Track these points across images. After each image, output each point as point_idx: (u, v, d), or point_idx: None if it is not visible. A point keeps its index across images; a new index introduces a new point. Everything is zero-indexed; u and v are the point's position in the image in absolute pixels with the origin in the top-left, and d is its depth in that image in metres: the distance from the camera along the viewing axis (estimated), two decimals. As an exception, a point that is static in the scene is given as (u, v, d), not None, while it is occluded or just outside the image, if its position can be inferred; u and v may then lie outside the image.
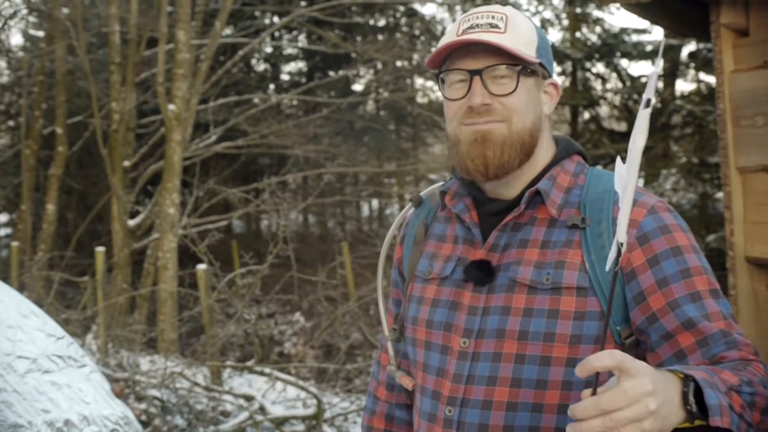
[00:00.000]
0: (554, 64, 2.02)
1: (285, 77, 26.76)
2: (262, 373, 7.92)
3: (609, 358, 1.34)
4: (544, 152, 1.91)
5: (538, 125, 1.86)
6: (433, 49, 1.88)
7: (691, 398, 1.43)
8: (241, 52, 15.80)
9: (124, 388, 6.85)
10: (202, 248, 7.04)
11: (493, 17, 1.85)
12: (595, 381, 1.38)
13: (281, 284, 8.10)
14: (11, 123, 22.06)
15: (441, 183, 2.07)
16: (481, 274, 1.84)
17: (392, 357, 2.10)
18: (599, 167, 1.94)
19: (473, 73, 1.83)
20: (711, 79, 18.41)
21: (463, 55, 1.85)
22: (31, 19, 21.47)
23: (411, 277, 2.04)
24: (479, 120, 1.83)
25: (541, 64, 1.87)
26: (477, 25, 1.84)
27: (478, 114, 1.83)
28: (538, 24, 1.89)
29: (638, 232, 1.75)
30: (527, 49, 1.83)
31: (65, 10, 15.03)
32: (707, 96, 17.42)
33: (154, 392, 7.32)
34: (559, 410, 1.72)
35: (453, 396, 1.81)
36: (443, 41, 1.87)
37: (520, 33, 1.84)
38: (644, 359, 1.74)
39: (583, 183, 1.88)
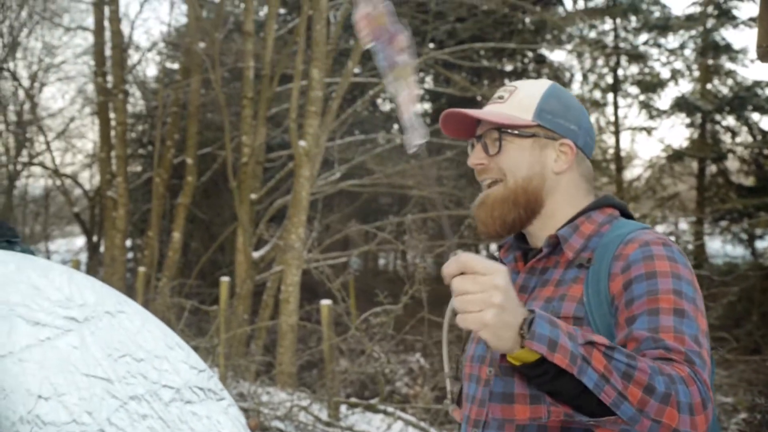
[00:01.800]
0: (583, 123, 2.14)
1: (410, 118, 26.94)
2: (385, 412, 7.94)
3: (455, 262, 1.57)
4: (565, 206, 2.10)
5: (535, 182, 2.06)
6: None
7: (527, 326, 1.58)
8: (371, 92, 15.99)
9: (258, 423, 6.93)
10: (336, 285, 7.09)
11: (505, 90, 2.14)
12: None
13: (410, 324, 8.13)
14: (143, 151, 22.71)
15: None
16: None
17: (449, 392, 2.25)
18: (633, 221, 2.10)
19: (476, 138, 2.14)
20: None
21: (480, 122, 2.14)
22: (167, 51, 22.13)
23: None
24: (480, 178, 2.13)
25: (541, 126, 2.06)
26: (492, 98, 2.16)
27: (479, 173, 2.13)
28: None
29: (624, 263, 1.89)
30: (521, 114, 2.07)
31: (202, 45, 15.42)
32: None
33: (278, 424, 7.39)
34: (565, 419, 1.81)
35: (477, 419, 2.03)
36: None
37: (518, 101, 2.09)
38: None
39: (606, 231, 2.04)
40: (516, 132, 2.05)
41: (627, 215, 2.14)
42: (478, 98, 21.66)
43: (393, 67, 1.81)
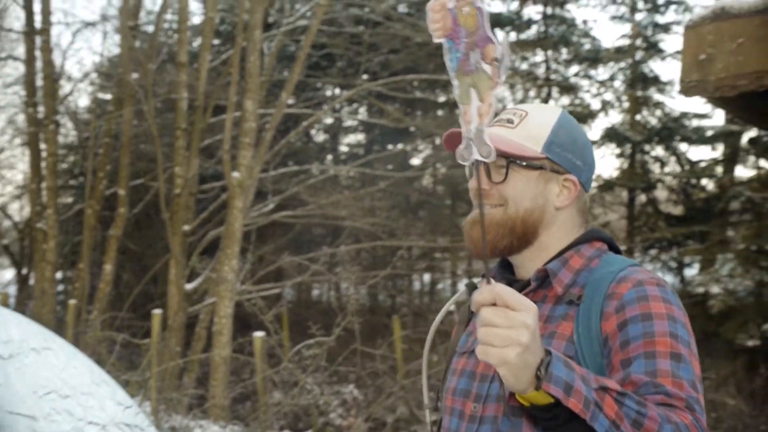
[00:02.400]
0: (586, 159, 2.12)
1: (344, 148, 27.01)
2: (317, 445, 7.91)
3: (489, 291, 1.57)
4: (558, 239, 2.06)
5: (535, 214, 2.03)
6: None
7: (544, 368, 1.58)
8: (304, 123, 16.03)
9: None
10: (269, 317, 7.07)
11: (514, 113, 2.10)
12: None
13: (344, 355, 8.12)
14: (74, 182, 22.45)
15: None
16: None
17: (428, 424, 2.30)
18: (621, 255, 2.08)
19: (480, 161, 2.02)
20: (772, 167, 18.32)
21: None
22: (99, 82, 21.95)
23: (453, 352, 2.22)
24: (478, 202, 1.99)
25: (549, 159, 2.03)
26: (500, 120, 2.11)
27: (478, 197, 1.98)
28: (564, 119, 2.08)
29: (618, 302, 1.86)
30: (530, 144, 2.03)
31: (135, 75, 15.33)
32: (767, 183, 17.29)
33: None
34: None
35: None
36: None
37: (528, 129, 2.05)
38: None
39: (595, 266, 2.01)
40: (524, 163, 2.02)
41: (614, 249, 2.12)
42: (411, 129, 21.79)
43: (472, 72, 1.74)
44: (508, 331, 1.53)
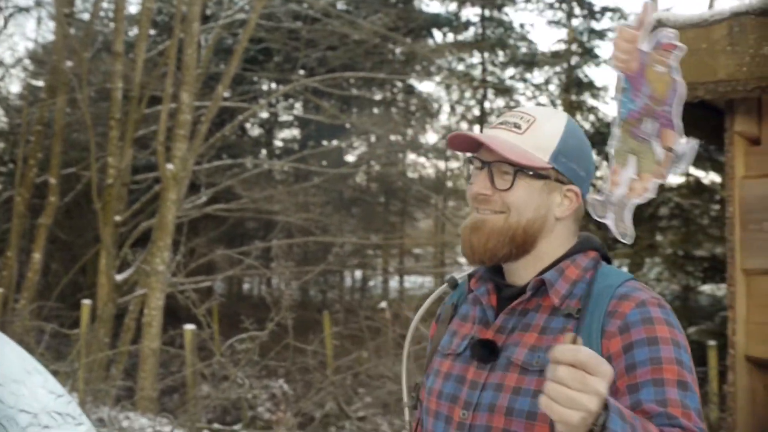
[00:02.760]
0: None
1: (278, 143, 26.94)
2: (247, 439, 7.92)
3: (572, 353, 1.52)
4: (554, 248, 2.03)
5: (537, 224, 1.99)
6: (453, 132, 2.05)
7: (600, 425, 1.52)
8: (240, 117, 15.99)
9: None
10: (201, 310, 7.06)
11: (521, 117, 2.02)
12: None
13: (277, 350, 8.13)
14: (4, 169, 22.11)
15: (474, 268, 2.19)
16: (485, 352, 1.99)
17: (408, 422, 2.28)
18: (613, 266, 2.07)
19: (485, 164, 2.02)
20: (700, 174, 18.67)
21: (486, 146, 2.00)
22: (32, 68, 21.64)
23: (435, 352, 2.19)
24: (480, 207, 2.02)
25: (554, 169, 1.99)
26: (506, 122, 2.04)
27: (479, 201, 2.02)
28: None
29: (622, 322, 1.85)
30: (538, 153, 1.98)
31: (69, 63, 15.16)
32: (695, 190, 17.62)
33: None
34: None
35: None
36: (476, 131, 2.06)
37: (536, 137, 1.99)
38: None
39: (591, 277, 1.99)
40: (531, 173, 1.97)
41: (605, 258, 2.10)
42: (347, 126, 21.80)
43: (640, 139, 1.68)
44: (579, 395, 1.50)
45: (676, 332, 1.87)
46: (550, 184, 2.00)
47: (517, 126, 2.01)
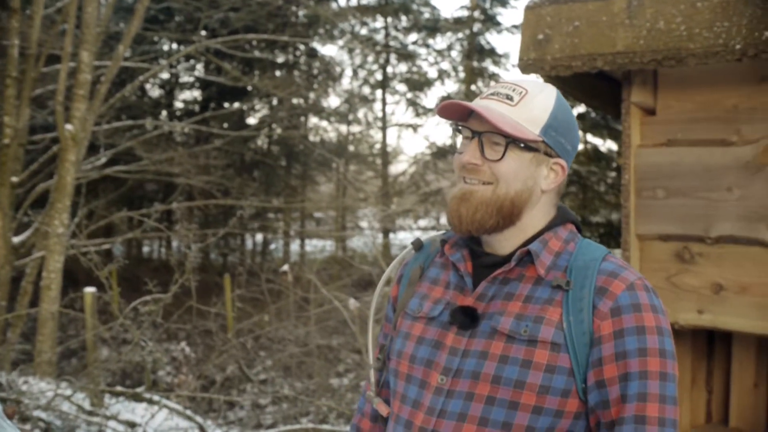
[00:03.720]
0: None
1: (179, 105, 26.63)
2: (150, 401, 7.91)
3: None
4: (537, 220, 2.07)
5: (524, 196, 2.02)
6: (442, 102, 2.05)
7: None
8: (141, 78, 15.75)
9: (15, 410, 6.77)
10: (104, 272, 7.00)
11: (513, 90, 2.04)
12: None
13: (179, 313, 8.11)
14: None
15: (443, 231, 2.24)
16: (466, 319, 2.00)
17: (373, 384, 2.28)
18: (588, 239, 2.12)
19: (475, 133, 2.03)
20: (597, 141, 19.06)
21: (477, 116, 2.03)
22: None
23: (401, 313, 2.20)
24: (468, 177, 2.03)
25: (544, 142, 2.01)
26: (497, 93, 2.05)
27: (467, 171, 2.03)
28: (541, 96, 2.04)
29: (614, 304, 1.91)
30: (529, 126, 2.00)
31: (-37, 19, 14.76)
32: (593, 157, 17.99)
33: (40, 414, 7.25)
34: None
35: (424, 427, 1.97)
36: (467, 100, 2.09)
37: (528, 110, 2.00)
38: (588, 416, 1.94)
39: (573, 250, 2.05)
40: (522, 145, 1.99)
41: (579, 230, 2.16)
42: (249, 88, 21.66)
43: None
44: None
45: (661, 318, 1.93)
46: (539, 156, 2.02)
47: (510, 98, 2.02)
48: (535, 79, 2.14)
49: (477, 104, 2.03)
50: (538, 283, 2.00)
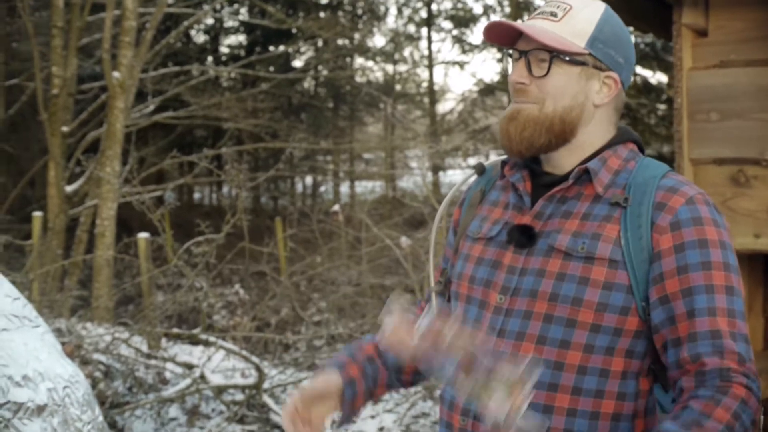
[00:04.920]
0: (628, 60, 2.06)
1: (224, 50, 26.67)
2: (206, 342, 8.01)
3: None
4: (595, 137, 2.04)
5: (575, 112, 1.98)
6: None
7: None
8: (186, 23, 15.76)
9: (74, 349, 6.90)
10: (157, 216, 7.06)
11: (558, 6, 2.01)
12: None
13: (231, 254, 8.17)
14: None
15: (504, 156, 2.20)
16: (523, 237, 2.00)
17: (434, 306, 2.25)
18: (650, 158, 2.08)
19: (521, 53, 2.01)
20: (647, 73, 18.76)
21: (524, 36, 2.02)
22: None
23: (463, 236, 2.20)
24: (518, 97, 2.01)
25: (592, 55, 1.98)
26: (543, 12, 2.02)
27: (516, 92, 2.01)
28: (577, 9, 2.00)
29: (673, 218, 1.89)
30: (574, 39, 1.96)
31: (7, -29, 14.82)
32: (642, 89, 17.72)
33: (100, 357, 7.37)
34: (579, 371, 1.89)
35: None
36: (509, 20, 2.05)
37: (573, 24, 1.97)
38: (649, 336, 1.94)
39: (633, 168, 2.01)
40: (567, 58, 1.97)
41: (642, 149, 2.12)
42: (293, 31, 21.59)
43: (482, 374, 1.73)
44: None
45: (723, 232, 1.91)
46: (588, 70, 1.99)
47: (554, 14, 2.00)
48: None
49: (521, 24, 2.00)
50: (597, 200, 1.98)
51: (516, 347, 1.92)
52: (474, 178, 2.32)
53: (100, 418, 4.05)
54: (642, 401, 1.95)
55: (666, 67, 17.06)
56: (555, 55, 1.95)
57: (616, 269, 1.89)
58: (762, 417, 1.86)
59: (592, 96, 2.00)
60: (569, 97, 1.98)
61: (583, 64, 1.98)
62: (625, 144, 2.07)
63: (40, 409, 3.56)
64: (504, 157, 2.19)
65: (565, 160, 2.04)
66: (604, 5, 2.03)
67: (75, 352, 6.86)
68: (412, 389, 7.32)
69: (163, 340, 8.61)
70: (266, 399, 7.25)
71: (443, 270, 2.30)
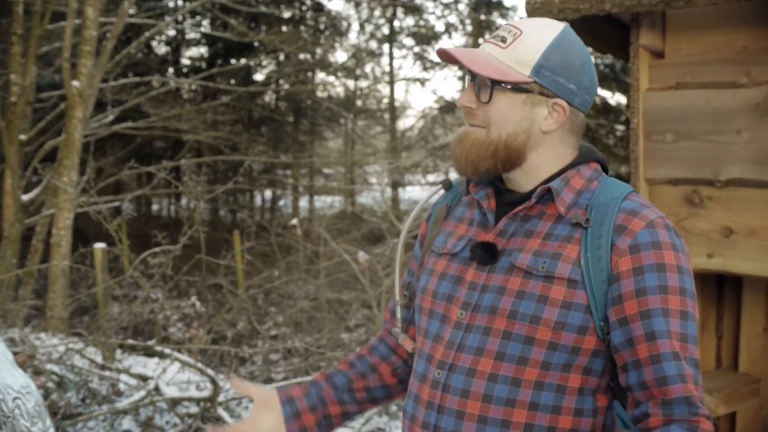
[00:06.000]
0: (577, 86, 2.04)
1: (186, 62, 26.57)
2: (161, 354, 7.95)
3: None
4: (549, 159, 2.05)
5: (519, 138, 2.00)
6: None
7: None
8: (147, 34, 15.66)
9: (26, 359, 6.83)
10: (113, 226, 7.01)
11: (509, 31, 2.01)
12: None
13: (188, 267, 8.13)
14: None
15: None
16: (486, 254, 2.03)
17: (399, 320, 2.33)
18: (613, 178, 2.11)
19: (473, 77, 2.04)
20: (606, 94, 18.95)
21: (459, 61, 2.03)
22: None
23: (428, 251, 2.24)
24: (467, 119, 2.05)
25: (537, 83, 1.97)
26: (496, 36, 2.04)
27: (465, 114, 2.06)
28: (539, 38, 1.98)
29: (632, 241, 1.91)
30: (518, 67, 1.97)
31: (-33, -23, 14.68)
32: (601, 110, 17.90)
33: (53, 367, 7.30)
34: (536, 386, 1.93)
35: (443, 360, 2.01)
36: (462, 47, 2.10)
37: (519, 51, 1.97)
38: (611, 359, 1.97)
39: (595, 188, 2.04)
40: (509, 86, 1.98)
41: (605, 169, 2.14)
42: (255, 44, 21.57)
43: None
44: None
45: (681, 257, 1.94)
46: (534, 97, 1.99)
47: (504, 40, 2.00)
48: (542, 19, 2.06)
49: (463, 49, 2.03)
50: (559, 220, 2.01)
51: (475, 362, 1.96)
52: (441, 193, 2.34)
53: (51, 430, 4.01)
54: (600, 417, 1.98)
55: (625, 89, 17.25)
56: (496, 83, 1.97)
57: (575, 289, 1.92)
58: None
59: (538, 122, 2.01)
60: (513, 124, 2.00)
61: (527, 91, 1.98)
62: (588, 164, 2.09)
63: (-11, 420, 3.53)
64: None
65: (523, 181, 2.07)
66: (559, 29, 2.02)
67: (27, 362, 6.79)
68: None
69: (118, 352, 8.54)
70: (221, 412, 7.20)
71: (408, 283, 2.36)
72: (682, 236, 2.02)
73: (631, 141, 3.80)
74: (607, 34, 4.10)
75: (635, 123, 3.77)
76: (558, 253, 1.95)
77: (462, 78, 20.30)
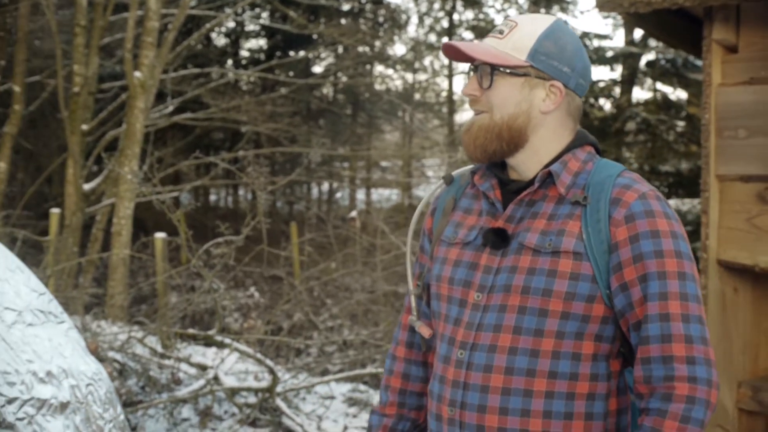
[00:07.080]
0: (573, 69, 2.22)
1: (245, 53, 26.70)
2: (220, 344, 8.00)
3: None
4: (549, 142, 2.22)
5: (520, 119, 2.18)
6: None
7: None
8: (207, 25, 15.78)
9: (97, 346, 6.91)
10: (177, 215, 7.05)
11: (506, 25, 2.24)
12: None
13: (249, 257, 8.18)
14: (-35, 77, 21.75)
15: (472, 165, 2.39)
16: (497, 239, 2.18)
17: (414, 309, 2.44)
18: (606, 159, 2.26)
19: (474, 68, 2.25)
20: (667, 89, 18.72)
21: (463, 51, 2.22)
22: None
23: (437, 242, 2.38)
24: (473, 107, 2.24)
25: (534, 67, 2.16)
26: (494, 30, 2.26)
27: (470, 103, 2.25)
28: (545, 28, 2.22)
29: (627, 212, 2.08)
30: (515, 53, 2.17)
31: (32, -32, 14.86)
32: (662, 105, 17.69)
33: (114, 355, 7.37)
34: (553, 356, 2.08)
35: (465, 341, 2.16)
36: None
37: (515, 40, 2.19)
38: (617, 321, 2.12)
39: (591, 169, 2.20)
40: (508, 71, 2.16)
41: (599, 152, 2.30)
42: (314, 36, 21.61)
43: None
44: None
45: (673, 223, 2.10)
46: (531, 80, 2.17)
47: (501, 32, 2.22)
48: (536, 14, 2.29)
49: (467, 42, 2.24)
50: (560, 201, 2.17)
51: (494, 339, 2.11)
52: (443, 188, 2.49)
53: (122, 417, 4.06)
54: (614, 381, 2.13)
55: (686, 84, 17.03)
56: (495, 68, 2.17)
57: (580, 261, 2.08)
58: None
59: (537, 104, 2.19)
60: (513, 106, 2.18)
61: (525, 75, 2.17)
62: (582, 147, 2.26)
63: (63, 407, 3.57)
64: (471, 166, 2.40)
65: (526, 166, 2.23)
66: (552, 21, 2.23)
67: (97, 347, 6.87)
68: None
69: (178, 341, 8.60)
70: (279, 402, 7.23)
71: (420, 274, 2.48)
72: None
73: (702, 137, 3.74)
74: (678, 28, 4.05)
75: (707, 119, 3.71)
76: (562, 229, 2.11)
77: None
